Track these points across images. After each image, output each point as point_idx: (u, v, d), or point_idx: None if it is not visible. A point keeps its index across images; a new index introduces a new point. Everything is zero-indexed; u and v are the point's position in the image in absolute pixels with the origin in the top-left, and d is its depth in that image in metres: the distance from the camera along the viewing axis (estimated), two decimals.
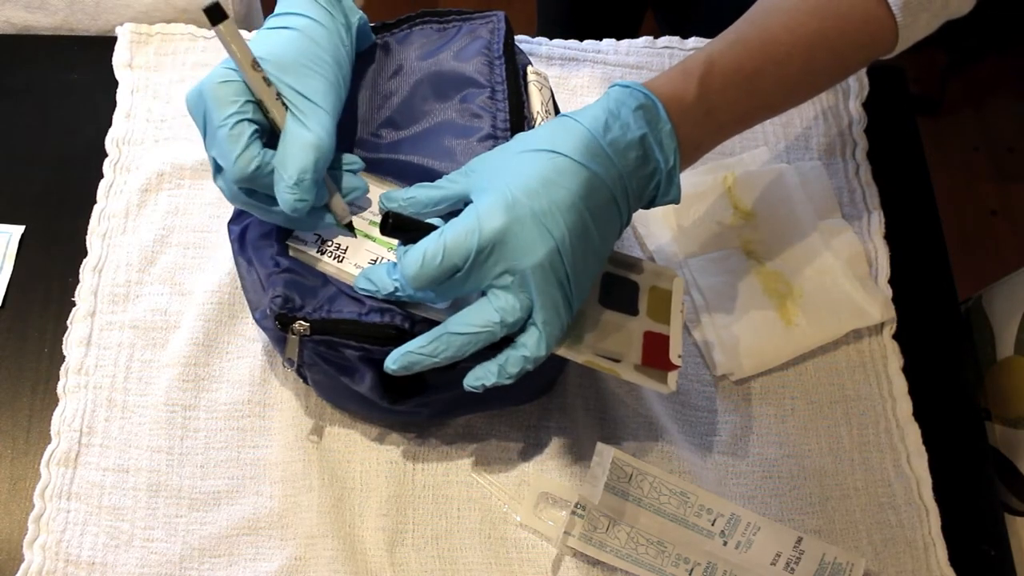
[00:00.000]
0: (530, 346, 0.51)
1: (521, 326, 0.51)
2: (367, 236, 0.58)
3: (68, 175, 0.77)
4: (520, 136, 0.54)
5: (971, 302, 0.81)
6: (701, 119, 0.55)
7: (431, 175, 0.59)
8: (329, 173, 0.56)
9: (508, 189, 0.50)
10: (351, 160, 0.57)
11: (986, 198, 1.68)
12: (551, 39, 0.83)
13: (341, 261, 0.57)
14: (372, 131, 0.62)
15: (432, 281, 0.50)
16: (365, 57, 0.64)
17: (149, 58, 0.81)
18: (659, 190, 0.54)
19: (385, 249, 0.57)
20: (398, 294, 0.53)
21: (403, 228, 0.52)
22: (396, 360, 0.52)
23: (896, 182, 0.78)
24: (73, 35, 0.85)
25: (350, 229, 0.57)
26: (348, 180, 0.57)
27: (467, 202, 0.52)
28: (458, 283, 0.50)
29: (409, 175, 0.60)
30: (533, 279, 0.49)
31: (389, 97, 0.63)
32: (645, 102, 0.53)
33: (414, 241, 0.51)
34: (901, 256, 0.74)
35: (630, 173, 0.52)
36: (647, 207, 0.55)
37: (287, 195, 0.51)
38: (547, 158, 0.50)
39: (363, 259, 0.57)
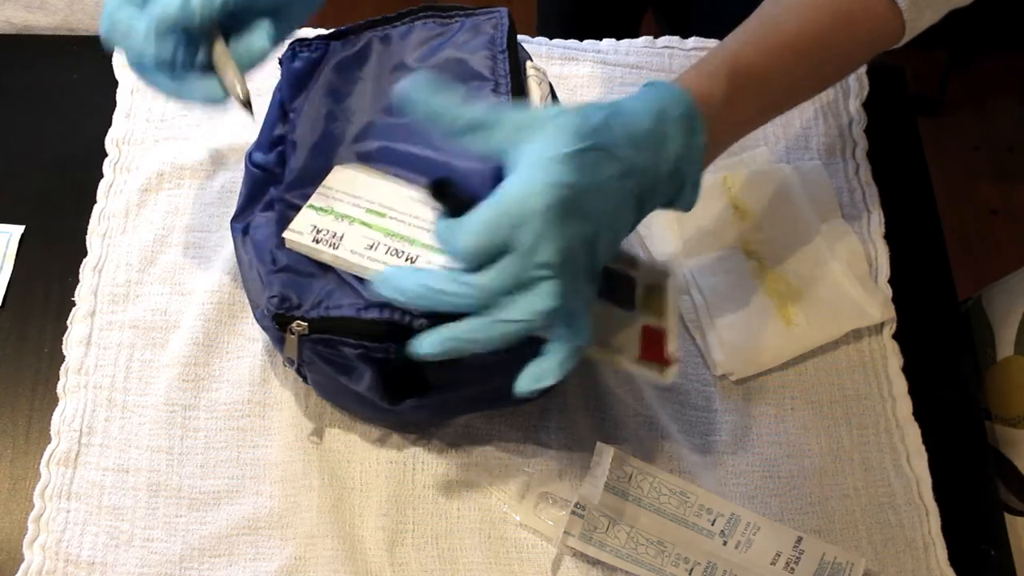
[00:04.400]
0: (581, 335, 0.49)
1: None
2: (363, 223, 0.58)
3: (68, 175, 0.77)
4: (569, 111, 0.51)
5: (971, 302, 0.80)
6: (723, 122, 0.54)
7: (433, 165, 0.59)
8: (232, 45, 0.53)
9: (556, 170, 0.47)
10: (261, 25, 0.54)
11: (986, 198, 1.68)
12: (551, 39, 0.83)
13: (337, 248, 0.56)
14: (373, 122, 0.62)
15: (482, 254, 0.47)
16: (366, 50, 0.64)
17: None
18: (676, 198, 0.53)
19: (381, 234, 0.57)
20: (433, 296, 0.49)
21: (451, 197, 0.50)
22: (436, 343, 0.48)
23: (896, 182, 0.78)
24: (73, 35, 0.85)
25: (247, 107, 0.54)
26: (250, 42, 0.54)
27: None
28: (504, 270, 0.47)
29: (410, 165, 0.60)
30: (572, 265, 0.47)
31: (390, 89, 0.63)
32: (687, 113, 0.51)
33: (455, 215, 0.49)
34: (901, 256, 0.74)
35: (660, 181, 0.51)
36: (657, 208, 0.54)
37: (134, 48, 0.51)
38: (592, 143, 0.48)
39: (359, 245, 0.56)
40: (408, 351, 0.50)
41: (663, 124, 0.51)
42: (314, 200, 0.59)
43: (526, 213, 0.46)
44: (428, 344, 0.49)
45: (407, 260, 0.56)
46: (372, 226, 0.58)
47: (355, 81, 0.63)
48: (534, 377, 0.50)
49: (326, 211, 0.58)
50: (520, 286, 0.48)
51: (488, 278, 0.47)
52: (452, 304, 0.48)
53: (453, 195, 0.50)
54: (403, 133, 0.61)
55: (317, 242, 0.57)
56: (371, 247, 0.56)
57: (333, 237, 0.57)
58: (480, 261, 0.47)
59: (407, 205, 0.58)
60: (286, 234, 0.57)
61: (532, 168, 0.47)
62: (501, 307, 0.48)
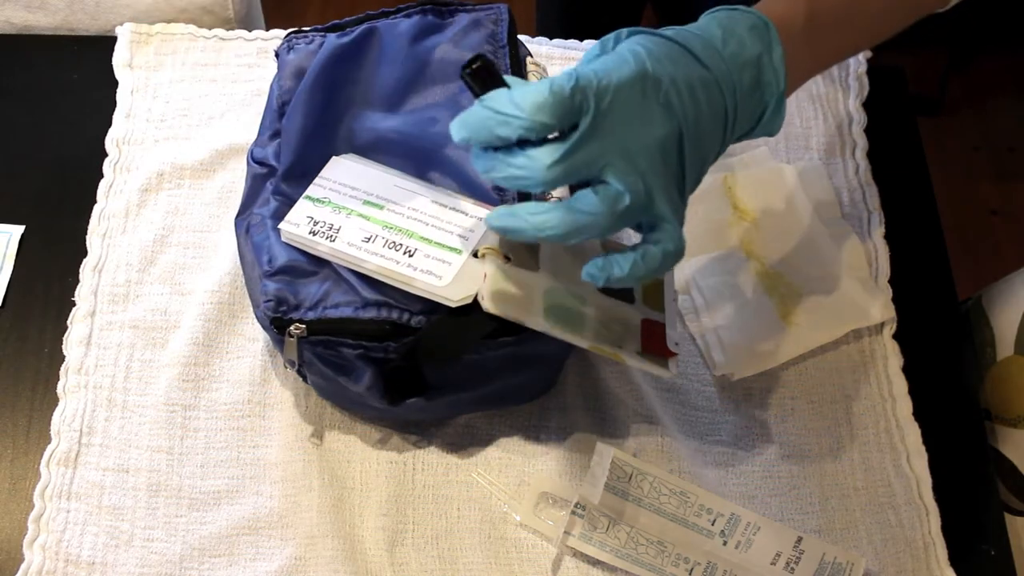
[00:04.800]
0: (670, 238, 0.47)
1: (639, 224, 0.48)
2: (361, 215, 0.57)
3: (68, 175, 0.77)
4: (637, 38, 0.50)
5: (971, 302, 0.80)
6: (803, 48, 0.51)
7: (431, 155, 0.59)
8: None
9: (637, 56, 0.46)
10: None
11: (986, 198, 1.68)
12: (551, 39, 0.83)
13: (334, 240, 0.56)
14: (368, 112, 0.62)
15: (556, 115, 0.43)
16: (362, 41, 0.64)
17: (149, 58, 0.81)
18: (762, 119, 0.51)
19: (379, 227, 0.57)
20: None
21: (487, 78, 0.46)
22: (498, 216, 0.47)
23: (896, 182, 0.78)
24: (73, 35, 0.85)
25: None
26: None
27: None
28: (576, 150, 0.44)
29: (409, 155, 0.60)
30: (651, 160, 0.45)
31: (389, 80, 0.63)
32: (757, 22, 0.50)
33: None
34: (901, 256, 0.74)
35: (743, 94, 0.49)
36: (741, 139, 0.52)
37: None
38: (674, 47, 0.47)
39: (356, 237, 0.56)
40: (486, 220, 0.48)
41: (734, 32, 0.49)
42: (311, 191, 0.59)
43: (602, 84, 0.44)
44: (495, 216, 0.47)
45: (405, 253, 0.55)
46: (370, 218, 0.57)
47: (351, 71, 0.63)
48: (607, 265, 0.47)
49: (323, 202, 0.58)
50: (594, 178, 0.45)
51: (551, 149, 0.44)
52: (514, 177, 0.45)
53: (493, 78, 0.45)
54: (399, 123, 0.61)
55: (314, 234, 0.57)
56: (369, 240, 0.56)
57: (330, 229, 0.57)
58: (546, 130, 0.44)
59: (405, 197, 0.58)
60: (282, 226, 0.57)
61: (610, 56, 0.46)
62: (567, 203, 0.45)
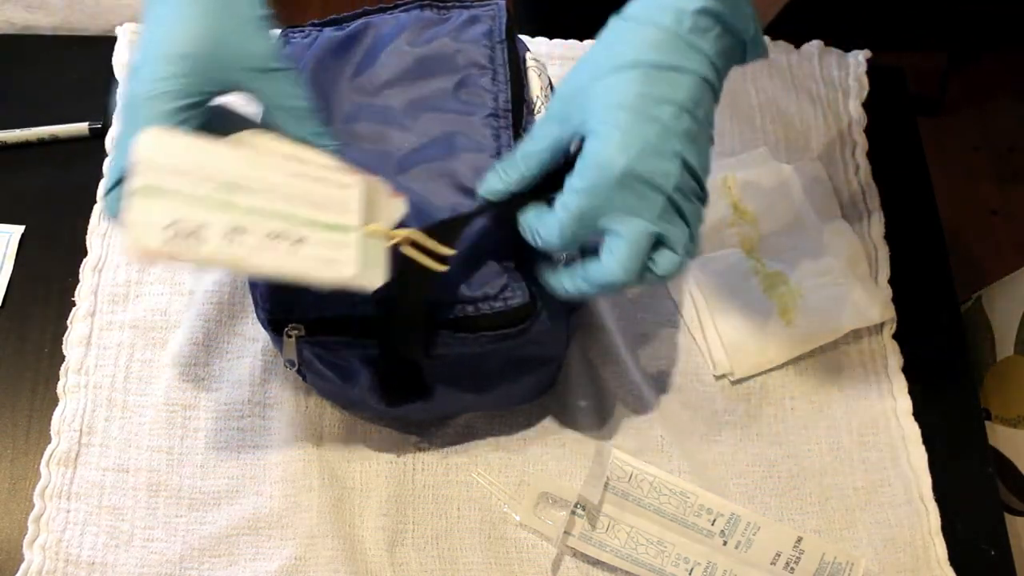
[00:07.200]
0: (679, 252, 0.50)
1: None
2: (218, 203, 0.46)
3: (68, 175, 0.77)
4: (594, 54, 0.51)
5: (971, 302, 0.80)
6: None
7: (427, 148, 0.59)
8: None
9: (616, 126, 0.48)
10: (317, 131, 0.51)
11: (986, 198, 1.68)
12: (551, 39, 0.83)
13: (202, 243, 0.45)
14: (363, 103, 0.62)
15: (577, 241, 0.50)
16: (358, 34, 0.64)
17: None
18: (745, 54, 0.52)
19: (244, 214, 0.45)
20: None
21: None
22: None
23: (896, 182, 0.78)
24: (73, 35, 0.85)
25: None
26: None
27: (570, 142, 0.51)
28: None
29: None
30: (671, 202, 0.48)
31: (384, 74, 0.63)
32: (702, 7, 0.49)
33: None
34: (901, 256, 0.74)
35: (716, 53, 0.49)
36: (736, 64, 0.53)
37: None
38: (639, 76, 0.49)
39: (219, 232, 0.45)
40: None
41: (682, 31, 0.49)
42: (135, 182, 0.43)
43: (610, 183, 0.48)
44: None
45: (295, 243, 0.46)
46: (230, 205, 0.45)
47: (345, 64, 0.63)
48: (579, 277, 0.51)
49: (159, 193, 0.44)
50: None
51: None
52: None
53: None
54: (396, 118, 0.61)
55: (174, 239, 0.43)
56: (235, 231, 0.44)
57: (189, 231, 0.43)
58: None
59: (258, 172, 0.46)
60: (128, 244, 0.43)
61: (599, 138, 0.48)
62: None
